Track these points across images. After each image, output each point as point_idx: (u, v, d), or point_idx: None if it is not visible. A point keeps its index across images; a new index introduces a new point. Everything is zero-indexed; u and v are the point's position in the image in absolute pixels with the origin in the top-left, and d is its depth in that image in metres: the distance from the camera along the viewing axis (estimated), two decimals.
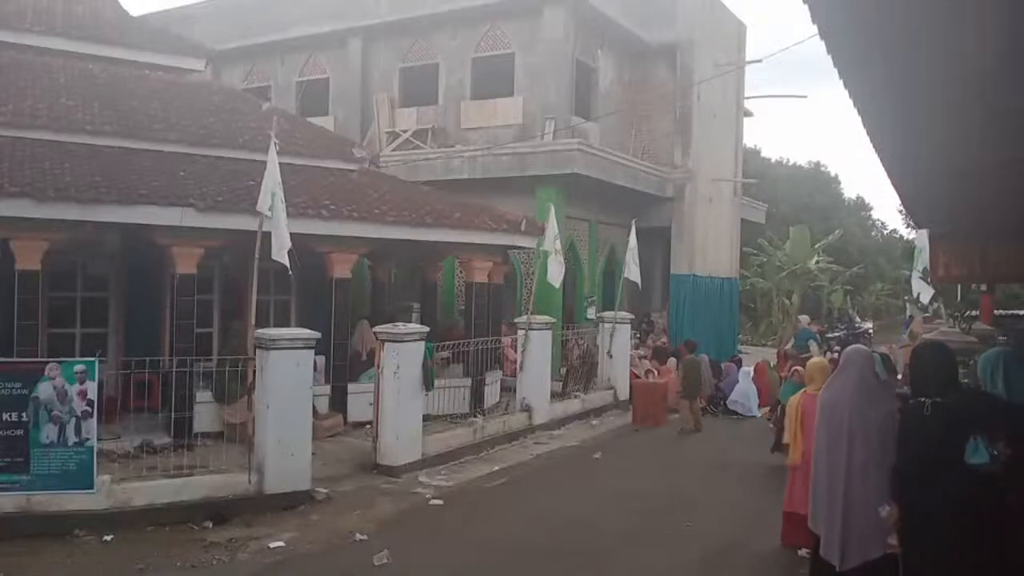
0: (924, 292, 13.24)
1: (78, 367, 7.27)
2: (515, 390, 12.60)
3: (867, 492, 4.75)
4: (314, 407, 9.12)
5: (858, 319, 36.47)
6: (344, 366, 11.45)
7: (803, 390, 7.05)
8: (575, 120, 17.51)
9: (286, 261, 8.44)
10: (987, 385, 4.73)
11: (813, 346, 13.66)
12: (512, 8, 17.76)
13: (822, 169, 48.72)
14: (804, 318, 15.17)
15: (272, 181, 8.31)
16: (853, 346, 5.78)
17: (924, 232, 10.46)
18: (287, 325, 11.58)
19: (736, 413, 14.52)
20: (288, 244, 8.39)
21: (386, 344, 9.51)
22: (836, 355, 14.43)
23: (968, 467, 4.22)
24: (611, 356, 14.77)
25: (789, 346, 14.04)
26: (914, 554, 4.45)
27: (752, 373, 15.16)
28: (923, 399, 4.45)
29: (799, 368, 9.67)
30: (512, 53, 18.13)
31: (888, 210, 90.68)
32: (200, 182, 10.42)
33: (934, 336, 11.03)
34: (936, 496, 4.29)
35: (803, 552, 6.35)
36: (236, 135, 12.41)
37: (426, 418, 10.19)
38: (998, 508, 4.26)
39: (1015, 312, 22.06)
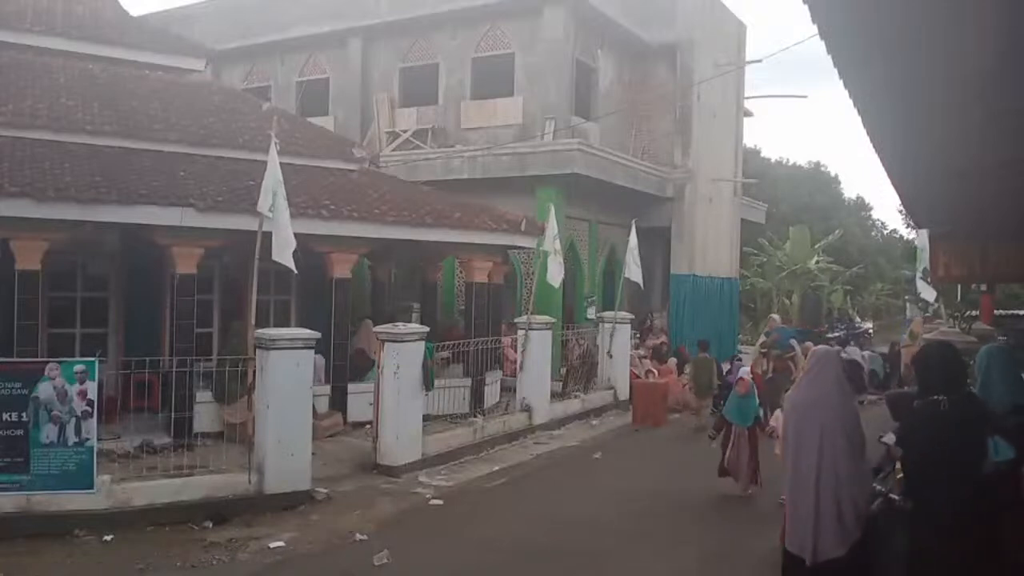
0: (926, 292, 13.23)
1: (78, 367, 7.27)
2: (515, 390, 12.60)
3: (837, 490, 4.80)
4: (314, 407, 9.12)
5: (858, 319, 36.46)
6: (344, 366, 11.45)
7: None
8: (575, 120, 17.50)
9: (290, 262, 8.43)
10: (977, 383, 4.76)
11: (795, 344, 13.54)
12: (512, 8, 17.75)
13: (822, 169, 48.67)
14: (776, 317, 14.63)
15: (273, 181, 8.31)
16: (823, 348, 5.79)
17: (924, 232, 10.47)
18: (287, 325, 11.58)
19: None
20: (292, 244, 8.38)
21: (386, 344, 9.51)
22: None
23: (973, 466, 4.24)
24: (611, 356, 14.77)
25: (765, 341, 13.78)
26: (914, 550, 4.48)
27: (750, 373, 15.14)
28: (939, 396, 4.45)
29: (745, 378, 9.11)
30: (512, 53, 18.12)
31: (888, 210, 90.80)
32: (200, 182, 10.42)
33: (934, 336, 11.04)
34: (940, 493, 4.31)
35: None
36: (236, 135, 12.41)
37: (426, 418, 10.19)
38: (996, 504, 4.29)
39: (1015, 312, 22.07)
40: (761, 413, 9.16)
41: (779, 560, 6.86)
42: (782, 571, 5.29)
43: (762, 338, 14.13)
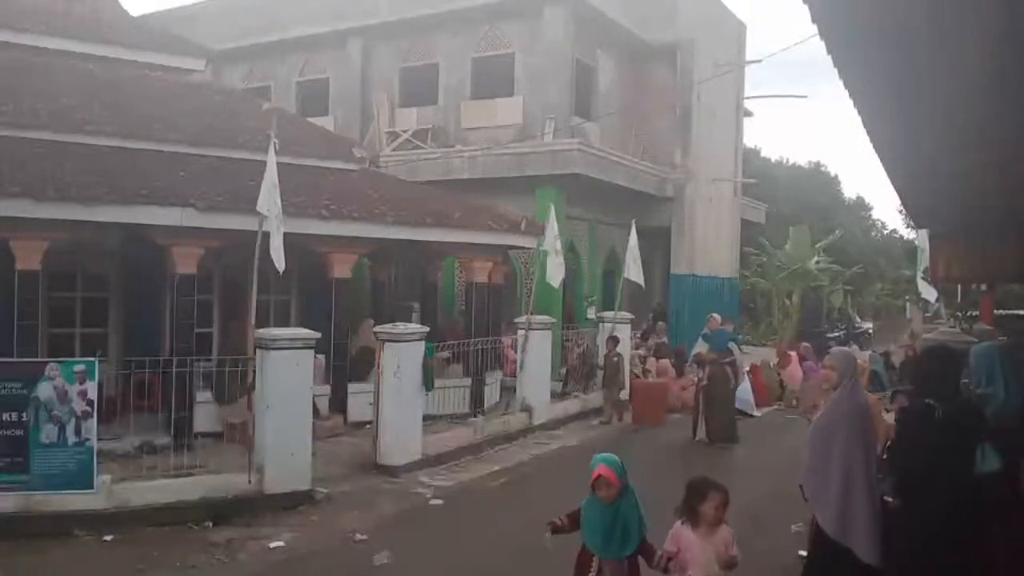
0: (927, 292, 13.13)
1: (78, 367, 7.26)
2: (515, 390, 12.60)
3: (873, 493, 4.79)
4: (315, 407, 9.12)
5: (858, 319, 36.43)
6: (344, 366, 11.45)
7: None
8: (575, 120, 17.51)
9: (279, 263, 8.38)
10: (983, 383, 4.74)
11: (735, 348, 12.74)
12: (512, 8, 17.76)
13: (822, 169, 48.53)
14: (717, 317, 13.67)
15: (270, 182, 8.29)
16: (850, 353, 5.70)
17: (924, 232, 10.45)
18: (287, 325, 11.58)
19: (739, 412, 14.46)
20: (279, 246, 8.32)
21: (386, 344, 9.51)
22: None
23: (967, 473, 4.23)
24: None
25: (705, 349, 12.95)
26: (905, 553, 4.48)
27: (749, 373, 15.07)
28: (932, 402, 4.44)
29: (605, 472, 4.67)
30: (512, 53, 18.13)
31: (888, 210, 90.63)
32: (200, 182, 10.42)
33: (934, 336, 11.00)
34: (932, 499, 4.31)
35: (803, 552, 6.34)
36: (236, 135, 12.40)
37: (426, 418, 10.19)
38: (987, 510, 4.30)
39: (1015, 312, 22.07)
40: (646, 527, 4.46)
41: (780, 560, 6.88)
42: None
43: (700, 343, 13.03)
